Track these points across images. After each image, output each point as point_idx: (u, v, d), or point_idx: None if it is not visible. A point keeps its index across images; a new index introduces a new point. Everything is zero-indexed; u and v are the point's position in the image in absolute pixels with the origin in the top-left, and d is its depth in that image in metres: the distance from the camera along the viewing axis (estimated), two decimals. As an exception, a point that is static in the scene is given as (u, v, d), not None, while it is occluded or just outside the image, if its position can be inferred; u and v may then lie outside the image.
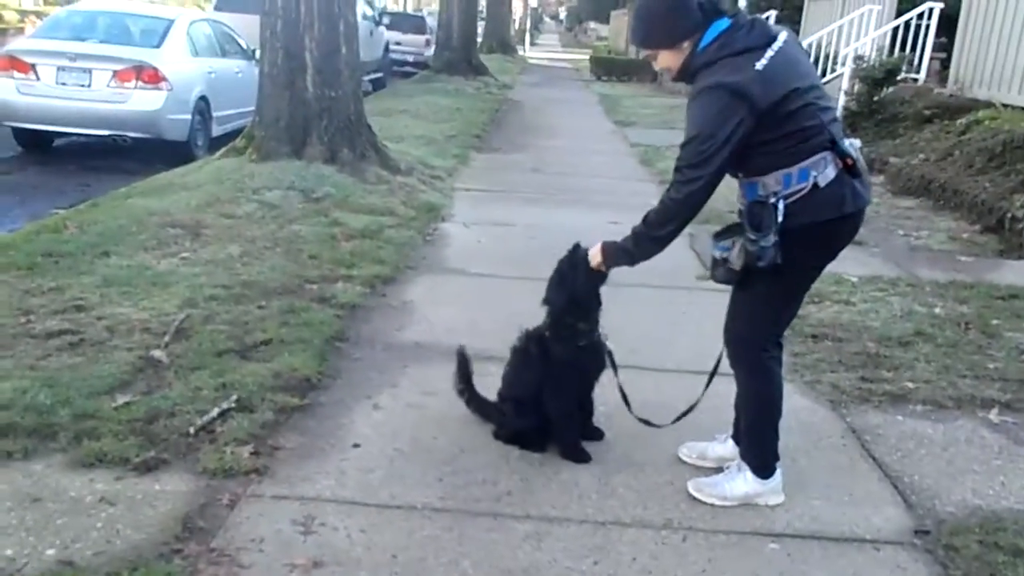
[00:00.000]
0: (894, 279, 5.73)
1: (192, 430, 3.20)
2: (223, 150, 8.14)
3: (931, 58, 12.01)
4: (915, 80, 11.75)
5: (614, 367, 3.22)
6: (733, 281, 2.80)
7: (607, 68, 25.46)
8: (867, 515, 2.97)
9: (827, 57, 12.81)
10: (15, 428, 3.20)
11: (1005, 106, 9.28)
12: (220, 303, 4.53)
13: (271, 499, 2.82)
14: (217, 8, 14.81)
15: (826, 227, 2.71)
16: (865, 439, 3.53)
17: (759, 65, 2.59)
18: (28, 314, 4.33)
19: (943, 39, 11.89)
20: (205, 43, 10.58)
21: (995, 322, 4.97)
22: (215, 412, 3.31)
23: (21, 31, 22.02)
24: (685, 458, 3.27)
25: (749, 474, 2.96)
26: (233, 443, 3.13)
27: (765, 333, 2.93)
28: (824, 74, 13.13)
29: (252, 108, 11.54)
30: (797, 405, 3.82)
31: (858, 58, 11.51)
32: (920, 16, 11.83)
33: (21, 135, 9.92)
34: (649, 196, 8.48)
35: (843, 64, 11.84)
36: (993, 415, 3.81)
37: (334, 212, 6.44)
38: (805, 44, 13.44)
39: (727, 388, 3.10)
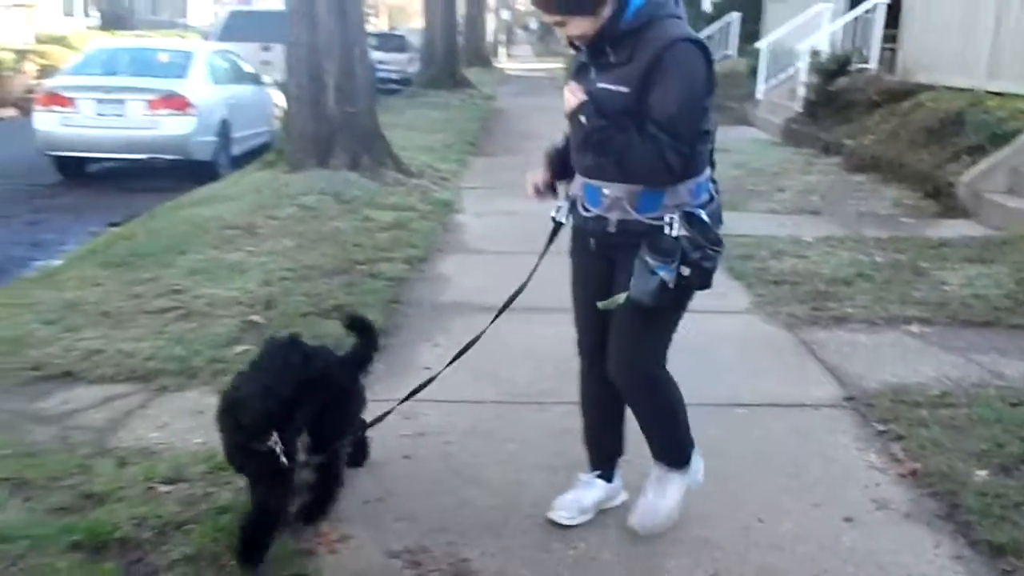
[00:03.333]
0: (843, 237, 6.83)
1: (302, 363, 4.22)
2: (256, 164, 9.19)
3: (881, 48, 13.17)
4: (867, 69, 12.89)
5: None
6: (665, 303, 2.51)
7: (583, 74, 26.46)
8: (810, 391, 4.04)
9: (787, 53, 13.96)
10: (164, 371, 4.20)
11: (946, 88, 10.41)
12: (291, 282, 5.55)
13: (374, 402, 3.85)
14: (220, 39, 15.83)
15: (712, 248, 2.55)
16: (812, 347, 4.60)
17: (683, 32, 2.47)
18: (138, 297, 5.34)
19: (892, 31, 13.04)
20: (222, 71, 11.60)
21: (924, 264, 6.05)
22: (316, 351, 4.34)
23: (19, 72, 22.74)
24: (566, 521, 2.88)
25: (672, 475, 2.79)
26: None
27: (665, 353, 2.73)
28: (784, 69, 14.33)
29: (265, 128, 12.70)
30: (760, 330, 4.90)
31: (814, 52, 12.64)
32: (869, 10, 13.00)
33: (61, 163, 10.89)
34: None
35: (800, 59, 12.98)
36: (914, 327, 4.88)
37: (364, 210, 7.47)
38: (766, 42, 14.65)
39: (521, 416, 3.69)
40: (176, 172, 10.58)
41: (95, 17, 46.07)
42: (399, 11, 59.15)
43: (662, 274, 2.44)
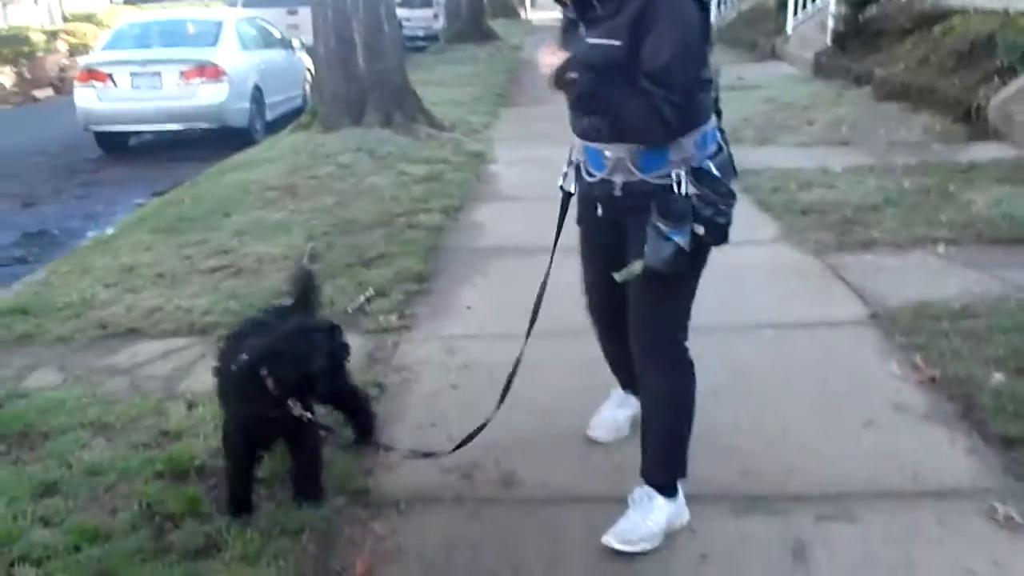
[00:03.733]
0: (871, 166, 6.90)
1: (349, 310, 4.47)
2: (290, 127, 9.41)
3: (912, -27, 12.93)
4: (897, -3, 12.69)
5: None
6: (682, 268, 2.42)
7: (610, 20, 26.24)
8: (836, 311, 4.20)
9: (814, -15, 13.79)
10: (221, 324, 4.45)
11: (976, 11, 10.26)
12: (334, 236, 5.79)
13: (422, 340, 4.10)
14: (245, 5, 16.00)
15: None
16: (839, 271, 4.73)
17: None
18: (189, 259, 5.62)
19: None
20: (251, 38, 11.81)
21: (952, 188, 6.11)
22: (362, 298, 4.59)
23: (52, 51, 23.15)
24: (602, 439, 3.05)
25: (659, 499, 2.59)
26: (382, 314, 4.40)
27: (687, 322, 2.61)
28: (813, 2, 14.17)
29: (297, 93, 12.89)
30: (788, 258, 5.05)
31: (842, -18, 12.48)
32: (898, -64, 12.75)
33: (102, 138, 11.23)
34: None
35: (829, -10, 12.84)
36: (940, 248, 4.98)
37: (399, 165, 7.67)
38: (792, -25, 14.43)
39: (559, 346, 3.62)
40: (213, 140, 10.87)
41: (120, -7, 46.46)
42: (421, -33, 58.60)
43: (677, 239, 2.34)
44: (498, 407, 2.73)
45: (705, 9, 2.39)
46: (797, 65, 13.44)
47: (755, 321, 4.11)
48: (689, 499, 2.66)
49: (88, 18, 32.03)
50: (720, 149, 2.49)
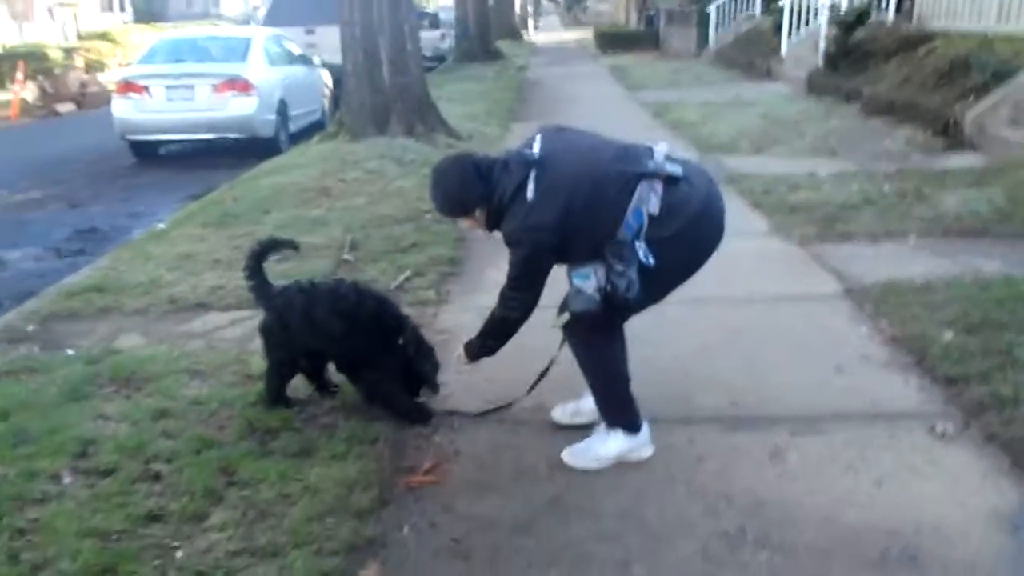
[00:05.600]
0: (855, 172, 7.56)
1: (392, 286, 5.11)
2: (318, 136, 10.10)
3: (898, -1, 13.68)
4: (884, 20, 13.42)
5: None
6: (591, 312, 2.86)
7: (611, 41, 27.08)
8: (816, 288, 4.84)
9: (806, 10, 14.54)
10: (278, 300, 5.10)
11: (957, 34, 10.96)
12: (370, 229, 6.44)
13: (457, 310, 4.73)
14: (265, 24, 16.72)
15: (680, 236, 2.83)
16: (821, 258, 5.37)
17: (530, 195, 2.80)
18: (239, 248, 6.21)
19: (909, -19, 13.54)
20: (276, 54, 12.50)
21: (927, 191, 6.76)
22: (402, 278, 5.23)
23: (72, 67, 23.91)
24: (560, 420, 3.41)
25: (618, 433, 3.09)
26: (420, 290, 5.04)
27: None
28: (806, 24, 14.91)
29: (317, 107, 13.60)
30: (776, 247, 5.69)
31: (833, 6, 13.21)
32: (886, -37, 13.51)
33: (136, 147, 11.89)
34: (663, 137, 10.32)
35: (821, 14, 13.57)
36: (911, 240, 5.63)
37: (422, 170, 8.30)
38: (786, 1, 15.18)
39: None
40: (240, 150, 11.52)
41: (130, 12, 47.39)
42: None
43: (574, 282, 2.89)
44: (559, 350, 3.21)
45: (534, 229, 2.83)
46: (791, 84, 14.15)
47: (746, 295, 4.76)
48: (687, 420, 3.31)
49: (103, 36, 32.92)
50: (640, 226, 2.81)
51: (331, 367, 3.67)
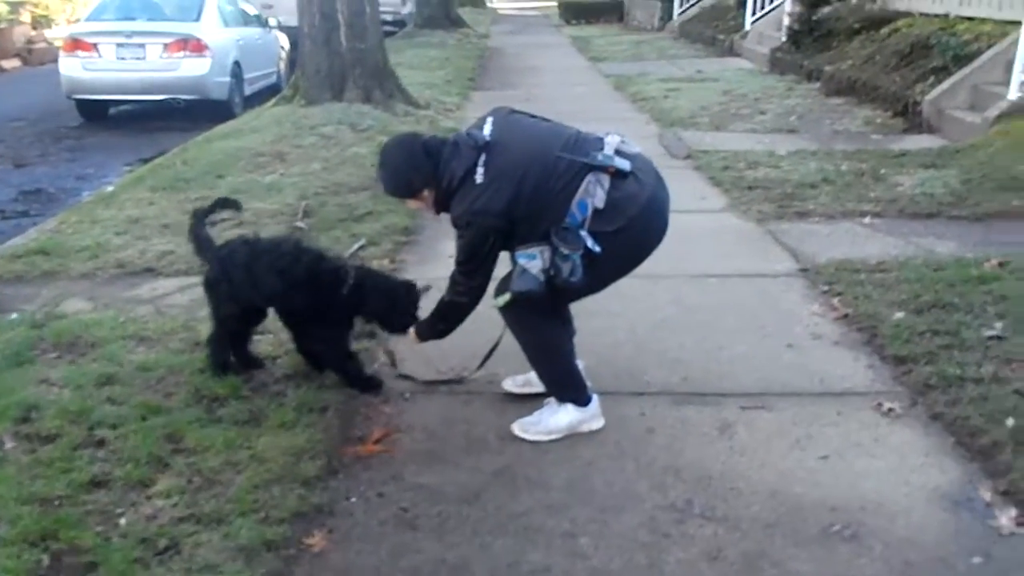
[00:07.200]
0: (814, 151, 7.60)
1: (346, 255, 5.03)
2: (274, 100, 9.90)
3: (864, -23, 13.71)
4: (848, -1, 13.48)
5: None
6: (534, 294, 2.83)
7: (575, 12, 26.89)
8: (771, 265, 4.87)
9: (771, -14, 14.54)
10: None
11: (921, 15, 11.04)
12: (325, 196, 6.34)
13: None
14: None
15: (622, 233, 2.82)
16: (777, 235, 5.40)
17: (479, 179, 2.79)
18: (189, 213, 6.11)
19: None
20: (230, 14, 12.21)
21: (884, 171, 6.82)
22: (356, 246, 5.16)
23: (18, 22, 23.10)
24: (511, 389, 3.41)
25: (568, 407, 3.11)
26: (375, 259, 4.97)
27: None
28: (769, 1, 14.94)
29: (272, 70, 13.33)
30: (733, 224, 5.71)
31: (797, -16, 13.23)
32: (851, -60, 13.52)
33: (83, 106, 11.57)
34: (624, 111, 10.33)
35: (784, -9, 13.59)
36: (866, 220, 5.68)
37: (379, 138, 8.17)
38: (751, -24, 15.17)
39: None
40: (192, 113, 11.27)
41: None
42: (389, -47, 58.68)
43: (520, 261, 2.85)
44: (504, 329, 3.14)
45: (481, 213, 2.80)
46: (754, 60, 14.19)
47: (701, 272, 4.77)
48: (638, 395, 3.32)
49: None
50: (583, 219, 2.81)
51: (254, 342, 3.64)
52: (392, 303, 3.36)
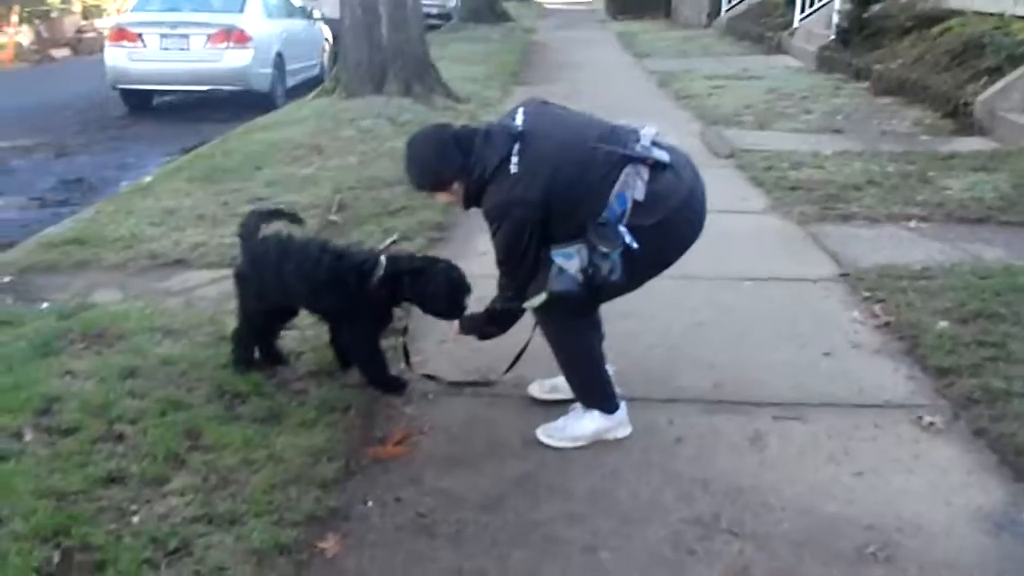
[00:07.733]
0: (860, 151, 7.40)
1: (378, 249, 4.98)
2: (314, 92, 9.91)
3: (916, -26, 13.38)
4: (899, -4, 13.15)
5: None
6: (572, 294, 2.74)
7: (622, 6, 26.69)
8: (811, 269, 4.72)
9: (820, -17, 14.25)
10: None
11: (975, 13, 10.73)
12: (359, 190, 6.30)
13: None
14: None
15: (661, 227, 2.73)
16: (818, 238, 5.25)
17: (513, 168, 2.68)
18: (226, 204, 6.12)
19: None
20: (274, 6, 12.26)
21: (931, 174, 6.61)
22: (389, 241, 5.10)
23: (68, 12, 23.46)
24: (537, 395, 3.31)
25: (595, 413, 3.02)
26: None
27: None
28: (817, 0, 14.65)
29: (315, 62, 13.37)
30: (774, 225, 5.56)
31: (847, -19, 12.94)
32: (904, -63, 13.19)
33: (128, 96, 11.71)
34: (667, 108, 10.17)
35: (834, -12, 13.30)
36: (912, 223, 5.50)
37: (417, 132, 8.17)
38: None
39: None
40: (235, 103, 11.34)
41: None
42: (436, -53, 58.86)
43: (557, 261, 2.74)
44: (533, 331, 3.08)
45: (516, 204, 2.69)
46: (801, 58, 13.92)
47: (739, 274, 4.64)
48: (668, 401, 3.21)
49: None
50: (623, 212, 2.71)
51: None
52: (433, 286, 3.21)
